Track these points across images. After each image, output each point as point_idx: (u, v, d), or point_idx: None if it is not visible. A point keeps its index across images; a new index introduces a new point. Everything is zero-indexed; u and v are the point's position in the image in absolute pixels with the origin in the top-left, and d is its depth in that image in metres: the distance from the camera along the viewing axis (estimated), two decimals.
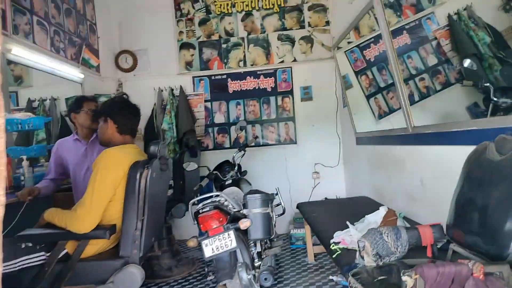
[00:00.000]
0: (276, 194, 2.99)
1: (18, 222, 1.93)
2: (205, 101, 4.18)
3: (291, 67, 4.13)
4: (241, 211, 2.10)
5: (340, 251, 1.82)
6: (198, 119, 4.16)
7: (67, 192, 2.33)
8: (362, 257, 1.50)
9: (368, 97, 3.47)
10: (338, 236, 1.98)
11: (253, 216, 2.06)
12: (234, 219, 2.10)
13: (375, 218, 2.04)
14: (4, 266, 1.50)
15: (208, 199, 2.07)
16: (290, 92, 4.12)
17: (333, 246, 1.91)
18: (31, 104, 3.44)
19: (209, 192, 3.87)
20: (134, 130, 1.87)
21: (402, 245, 1.47)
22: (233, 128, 4.14)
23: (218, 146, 4.18)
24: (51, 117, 3.11)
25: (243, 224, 2.00)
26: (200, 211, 1.97)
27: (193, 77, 4.20)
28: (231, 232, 1.97)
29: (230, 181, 2.89)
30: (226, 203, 2.07)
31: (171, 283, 2.96)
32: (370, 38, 3.36)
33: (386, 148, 2.88)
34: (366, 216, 2.13)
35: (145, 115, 4.10)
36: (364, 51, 3.47)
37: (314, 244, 3.14)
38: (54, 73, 3.18)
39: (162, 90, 4.13)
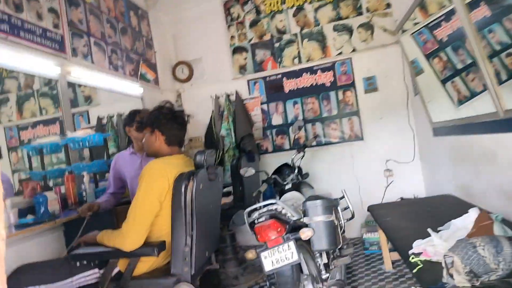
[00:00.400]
0: (342, 197, 2.72)
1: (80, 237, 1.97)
2: (261, 103, 4.06)
3: (350, 58, 3.81)
4: (302, 220, 1.90)
5: (422, 265, 1.52)
6: (255, 122, 4.04)
7: (128, 205, 2.34)
8: (451, 276, 1.21)
9: (443, 82, 3.03)
10: (418, 245, 1.67)
11: (315, 225, 1.84)
12: (295, 228, 1.91)
13: (464, 223, 1.69)
14: (63, 285, 1.50)
15: (263, 208, 1.91)
16: (352, 85, 3.80)
17: (412, 258, 1.61)
18: (100, 122, 3.65)
19: (271, 197, 3.73)
20: (182, 140, 1.79)
21: (505, 261, 1.15)
22: (291, 128, 3.95)
23: (277, 149, 4.02)
24: (109, 133, 3.23)
25: (304, 234, 1.80)
26: (256, 221, 1.82)
27: (248, 81, 4.10)
28: (291, 243, 1.77)
29: (290, 185, 2.70)
30: (283, 211, 1.88)
31: None
32: (441, 16, 2.93)
33: (471, 138, 2.45)
34: (452, 220, 1.78)
35: (204, 123, 4.12)
36: (434, 31, 3.04)
37: (391, 250, 2.80)
38: (115, 90, 3.31)
39: (218, 97, 4.10)
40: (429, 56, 3.16)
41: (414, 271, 1.51)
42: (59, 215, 2.01)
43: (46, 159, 3.30)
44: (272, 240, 1.81)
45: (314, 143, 3.63)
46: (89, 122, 3.69)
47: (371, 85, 3.75)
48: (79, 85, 3.61)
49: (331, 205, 1.91)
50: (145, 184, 1.49)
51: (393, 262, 2.82)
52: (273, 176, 2.80)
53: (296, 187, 2.66)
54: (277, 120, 4.02)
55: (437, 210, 2.39)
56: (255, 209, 1.94)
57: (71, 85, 3.48)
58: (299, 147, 3.03)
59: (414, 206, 2.71)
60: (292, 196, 2.45)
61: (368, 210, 2.88)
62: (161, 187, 1.49)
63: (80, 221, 2.00)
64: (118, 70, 3.34)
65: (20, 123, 3.48)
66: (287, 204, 1.97)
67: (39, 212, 1.91)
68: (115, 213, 2.35)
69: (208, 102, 4.13)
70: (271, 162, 3.89)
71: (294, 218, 1.90)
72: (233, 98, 4.04)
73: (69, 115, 2.64)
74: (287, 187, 2.68)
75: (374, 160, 3.73)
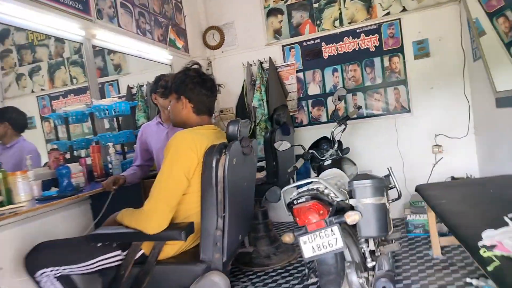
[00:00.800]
0: (389, 175, 2.45)
1: (105, 212, 1.85)
2: (297, 71, 3.75)
3: (399, 19, 3.38)
4: (347, 201, 1.67)
5: (498, 262, 1.25)
6: (290, 92, 3.76)
7: None
8: None
9: (508, 46, 2.62)
10: (490, 237, 1.40)
11: (363, 208, 1.61)
12: (338, 210, 1.69)
13: None
14: (84, 266, 1.38)
15: (303, 186, 1.68)
16: (400, 50, 3.40)
17: (484, 251, 1.35)
18: (130, 91, 3.54)
19: (306, 174, 3.50)
20: (211, 108, 1.57)
21: None
22: (330, 99, 3.64)
23: (313, 121, 3.73)
24: (137, 102, 3.08)
25: (350, 218, 1.57)
26: (295, 201, 1.60)
27: (283, 46, 3.78)
28: (336, 228, 1.55)
29: (329, 162, 2.44)
30: (326, 191, 1.65)
31: (270, 273, 2.71)
32: None
33: None
34: None
35: (235, 93, 3.90)
36: None
37: (440, 234, 2.53)
38: (143, 56, 3.13)
39: (251, 65, 3.83)
40: (492, 16, 2.73)
41: (489, 268, 1.25)
42: (83, 188, 1.89)
43: (77, 129, 3.23)
44: (312, 224, 1.59)
45: (355, 115, 3.31)
46: (119, 92, 3.59)
47: (422, 50, 3.33)
48: (108, 53, 3.48)
49: (382, 186, 1.65)
50: (170, 158, 1.30)
51: (442, 248, 2.56)
52: (311, 151, 2.55)
53: (336, 163, 2.40)
54: (313, 89, 3.71)
55: (502, 193, 2.07)
56: (294, 188, 1.72)
57: (100, 52, 3.34)
58: (340, 119, 2.74)
59: (471, 187, 2.38)
60: (333, 173, 2.21)
61: (416, 190, 2.59)
62: (189, 161, 1.30)
63: (106, 195, 1.88)
64: (146, 35, 3.14)
65: (51, 92, 3.43)
66: (329, 182, 1.73)
67: (62, 185, 1.79)
68: (142, 186, 2.22)
69: (239, 70, 3.89)
70: (306, 135, 3.64)
71: (338, 199, 1.67)
72: (266, 65, 3.76)
73: (94, 81, 2.49)
74: (326, 163, 2.43)
75: (421, 135, 3.38)
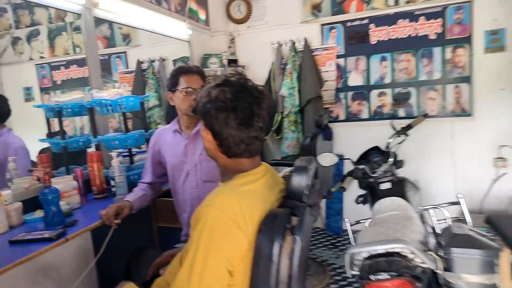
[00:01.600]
0: (456, 203, 1.98)
1: (107, 248, 1.41)
2: (337, 56, 3.18)
3: (470, 2, 2.76)
4: (441, 271, 1.20)
5: None
6: (326, 81, 3.22)
7: (170, 198, 1.73)
8: None
9: None
10: None
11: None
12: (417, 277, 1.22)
13: None
14: None
15: (377, 246, 1.20)
16: (467, 40, 2.80)
17: None
18: (140, 66, 3.10)
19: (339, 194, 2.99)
20: (252, 149, 0.94)
21: None
22: (374, 93, 3.10)
23: (351, 117, 3.21)
24: (148, 94, 2.57)
25: None
26: (373, 277, 1.13)
27: (322, 25, 3.20)
28: None
29: (387, 185, 1.94)
30: (411, 255, 1.17)
31: None
32: None
33: None
34: None
35: (261, 78, 3.37)
36: None
37: None
38: (156, 31, 2.62)
39: (281, 45, 3.27)
40: None
41: None
42: (77, 209, 1.43)
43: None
44: None
45: (420, 122, 2.73)
46: (127, 66, 3.14)
47: (495, 42, 2.73)
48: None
49: (494, 256, 1.18)
50: (205, 242, 0.79)
51: None
52: (361, 167, 2.05)
53: (397, 187, 1.90)
54: (355, 80, 3.16)
55: None
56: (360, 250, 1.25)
57: (106, 20, 2.86)
58: (403, 127, 2.21)
59: None
60: (397, 205, 1.71)
61: (487, 221, 2.09)
62: (234, 247, 0.79)
63: (104, 230, 1.43)
64: (161, 4, 2.59)
65: (52, 60, 2.99)
66: (413, 239, 1.25)
67: (48, 213, 1.34)
68: (154, 208, 1.77)
69: (267, 50, 3.34)
70: (343, 134, 3.16)
71: (425, 266, 1.20)
72: (300, 47, 3.20)
73: (95, 63, 1.99)
74: (383, 186, 1.93)
75: (482, 144, 2.86)
